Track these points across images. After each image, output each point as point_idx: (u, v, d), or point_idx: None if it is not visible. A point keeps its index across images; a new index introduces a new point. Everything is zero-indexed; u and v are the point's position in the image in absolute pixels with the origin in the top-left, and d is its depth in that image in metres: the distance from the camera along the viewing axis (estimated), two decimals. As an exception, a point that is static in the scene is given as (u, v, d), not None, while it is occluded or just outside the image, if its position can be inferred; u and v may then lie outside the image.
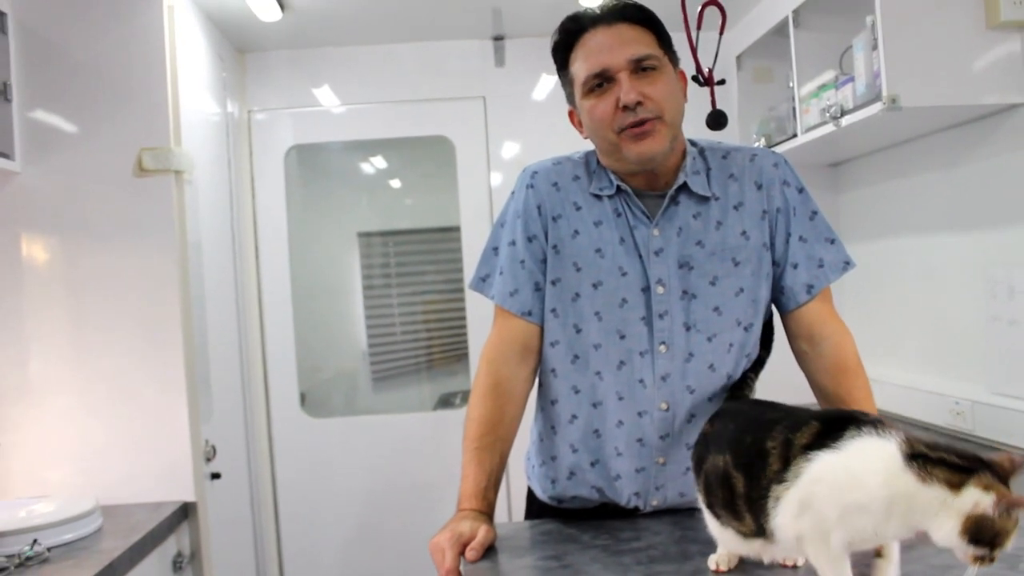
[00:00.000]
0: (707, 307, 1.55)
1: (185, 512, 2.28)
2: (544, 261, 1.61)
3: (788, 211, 1.61)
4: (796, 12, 2.72)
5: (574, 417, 1.62)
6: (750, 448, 1.16)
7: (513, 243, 1.63)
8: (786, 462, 1.09)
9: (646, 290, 1.55)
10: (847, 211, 3.34)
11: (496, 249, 1.68)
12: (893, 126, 2.52)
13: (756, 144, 3.16)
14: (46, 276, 2.28)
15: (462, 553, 1.46)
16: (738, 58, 3.26)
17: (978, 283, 2.47)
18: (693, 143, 1.67)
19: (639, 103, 1.49)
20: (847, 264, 1.66)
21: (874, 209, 3.12)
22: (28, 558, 1.78)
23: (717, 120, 1.87)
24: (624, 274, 1.56)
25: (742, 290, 1.57)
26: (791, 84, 2.83)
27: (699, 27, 1.83)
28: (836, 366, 1.62)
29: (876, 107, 2.25)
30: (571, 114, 1.66)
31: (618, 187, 1.59)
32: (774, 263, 1.61)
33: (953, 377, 2.63)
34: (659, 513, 1.67)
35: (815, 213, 1.64)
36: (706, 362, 1.55)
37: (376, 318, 3.81)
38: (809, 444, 1.07)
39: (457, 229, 3.46)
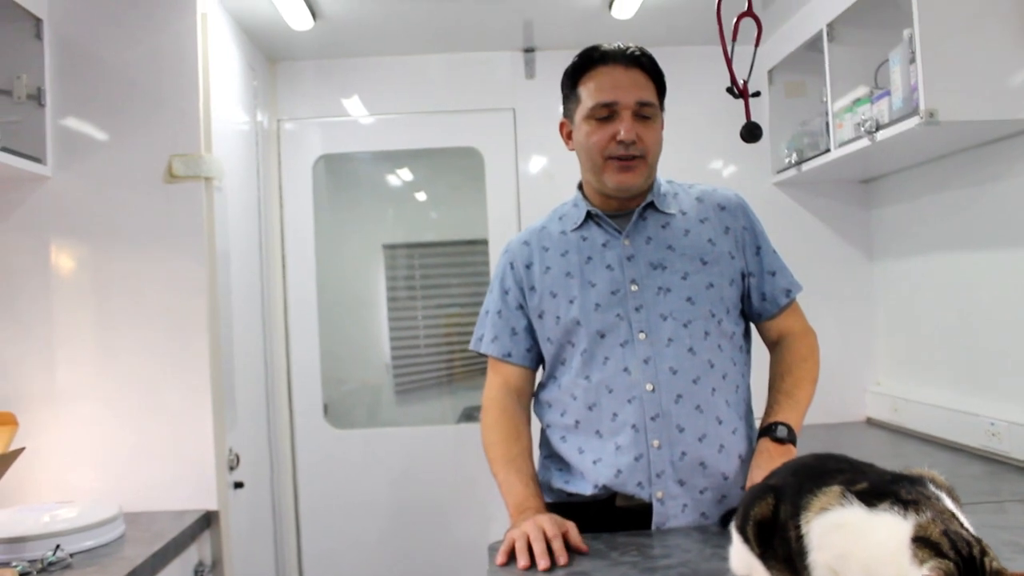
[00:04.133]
0: (681, 298, 1.74)
1: (208, 521, 2.27)
2: (521, 307, 1.86)
3: (753, 230, 1.85)
4: (831, 26, 2.69)
5: (578, 422, 1.77)
6: (808, 495, 1.15)
7: (494, 300, 1.90)
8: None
9: (616, 292, 1.75)
10: (879, 228, 3.30)
11: (487, 312, 1.92)
12: (929, 141, 2.49)
13: (787, 160, 3.14)
14: (75, 281, 2.28)
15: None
16: (770, 72, 3.23)
17: (1014, 301, 2.42)
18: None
19: (633, 142, 1.72)
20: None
21: (907, 226, 3.08)
22: (51, 563, 1.77)
23: (752, 132, 1.87)
24: (593, 285, 1.77)
25: (711, 285, 1.76)
26: (824, 99, 2.80)
27: (734, 39, 1.83)
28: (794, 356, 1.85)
29: (913, 121, 2.22)
30: (562, 125, 1.88)
31: (588, 213, 1.82)
32: (749, 274, 1.82)
33: (989, 397, 2.58)
34: (689, 530, 1.67)
35: (767, 241, 1.88)
36: (685, 346, 1.72)
37: (400, 330, 3.79)
38: (854, 492, 1.09)
39: (484, 242, 3.44)
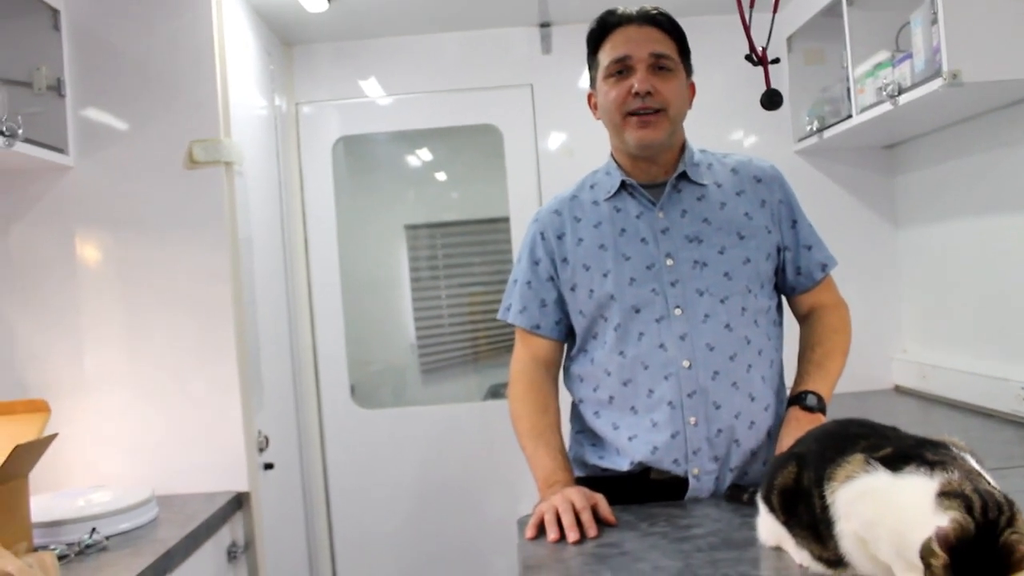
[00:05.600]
0: (718, 273, 1.71)
1: (239, 502, 2.29)
2: (552, 279, 1.83)
3: (789, 203, 1.82)
4: (850, -10, 2.65)
5: (612, 398, 1.76)
6: (831, 463, 1.15)
7: (523, 271, 1.87)
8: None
9: (651, 267, 1.72)
10: (903, 194, 3.26)
11: (515, 281, 1.90)
12: (953, 103, 2.45)
13: (808, 128, 3.11)
14: (100, 269, 2.30)
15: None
16: (789, 40, 3.19)
17: (1044, 264, 2.39)
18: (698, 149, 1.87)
19: (649, 93, 1.69)
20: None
21: (931, 191, 3.04)
22: (88, 546, 1.79)
23: (772, 99, 1.86)
24: (628, 258, 1.74)
25: (748, 260, 1.73)
26: (844, 65, 2.76)
27: (752, 6, 1.82)
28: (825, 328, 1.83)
29: (936, 83, 2.18)
30: (589, 97, 1.86)
31: (623, 182, 1.78)
32: (785, 248, 1.80)
33: (1018, 361, 2.55)
34: (718, 500, 1.68)
35: (803, 214, 1.85)
36: (722, 322, 1.70)
37: (424, 310, 3.80)
38: (878, 459, 1.09)
39: (506, 220, 3.44)
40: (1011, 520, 0.95)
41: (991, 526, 0.94)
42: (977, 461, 1.09)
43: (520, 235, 3.28)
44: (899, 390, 3.24)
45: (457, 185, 3.96)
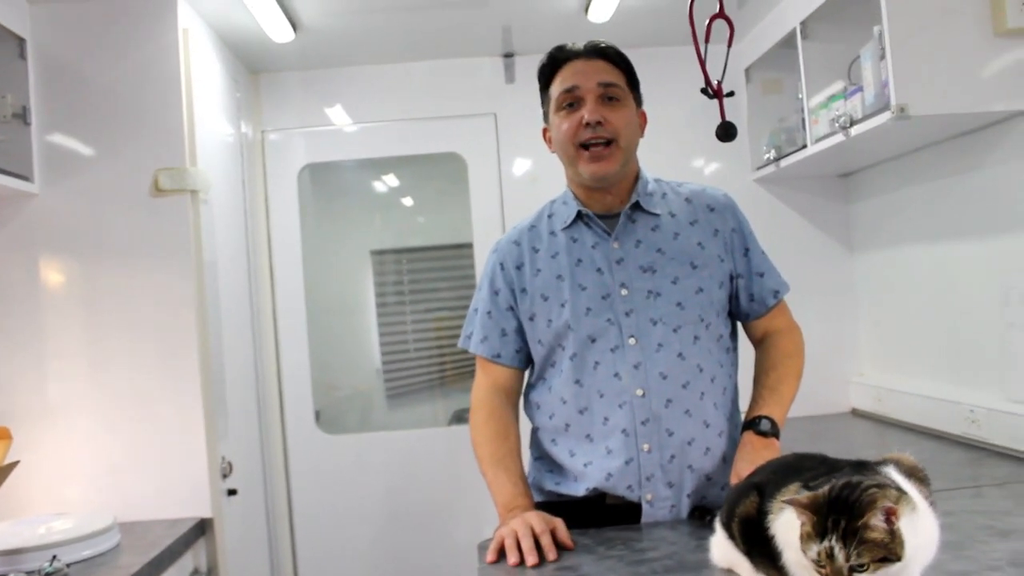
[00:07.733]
0: (670, 303, 1.75)
1: (202, 528, 2.29)
2: (511, 308, 1.86)
3: (742, 231, 1.85)
4: (804, 24, 2.73)
5: (568, 426, 1.79)
6: (770, 500, 1.18)
7: (483, 300, 1.90)
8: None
9: (606, 297, 1.75)
10: (858, 221, 3.34)
11: (476, 311, 1.92)
12: (902, 135, 2.53)
13: (766, 156, 3.18)
14: (65, 296, 2.31)
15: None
16: (747, 71, 3.28)
17: (992, 290, 2.46)
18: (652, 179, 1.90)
19: (599, 123, 1.73)
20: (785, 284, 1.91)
21: (885, 218, 3.13)
22: (48, 574, 1.79)
23: (727, 131, 1.89)
24: (584, 288, 1.77)
25: (701, 290, 1.77)
26: (800, 95, 2.84)
27: (707, 40, 1.86)
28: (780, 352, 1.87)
29: (885, 116, 2.26)
30: (544, 131, 1.90)
31: (579, 212, 1.82)
32: (738, 276, 1.83)
33: (968, 385, 2.62)
34: (674, 523, 1.70)
35: (755, 241, 1.88)
36: (674, 351, 1.73)
37: (390, 335, 3.81)
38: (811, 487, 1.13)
39: (470, 246, 3.47)
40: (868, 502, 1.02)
41: (849, 489, 1.03)
42: (917, 479, 1.13)
43: (484, 260, 3.32)
44: (856, 413, 3.31)
45: (423, 211, 3.99)
